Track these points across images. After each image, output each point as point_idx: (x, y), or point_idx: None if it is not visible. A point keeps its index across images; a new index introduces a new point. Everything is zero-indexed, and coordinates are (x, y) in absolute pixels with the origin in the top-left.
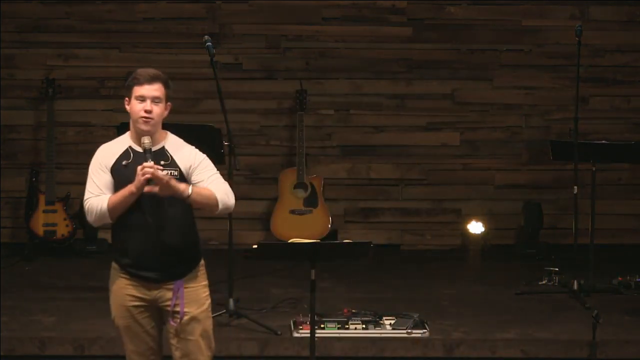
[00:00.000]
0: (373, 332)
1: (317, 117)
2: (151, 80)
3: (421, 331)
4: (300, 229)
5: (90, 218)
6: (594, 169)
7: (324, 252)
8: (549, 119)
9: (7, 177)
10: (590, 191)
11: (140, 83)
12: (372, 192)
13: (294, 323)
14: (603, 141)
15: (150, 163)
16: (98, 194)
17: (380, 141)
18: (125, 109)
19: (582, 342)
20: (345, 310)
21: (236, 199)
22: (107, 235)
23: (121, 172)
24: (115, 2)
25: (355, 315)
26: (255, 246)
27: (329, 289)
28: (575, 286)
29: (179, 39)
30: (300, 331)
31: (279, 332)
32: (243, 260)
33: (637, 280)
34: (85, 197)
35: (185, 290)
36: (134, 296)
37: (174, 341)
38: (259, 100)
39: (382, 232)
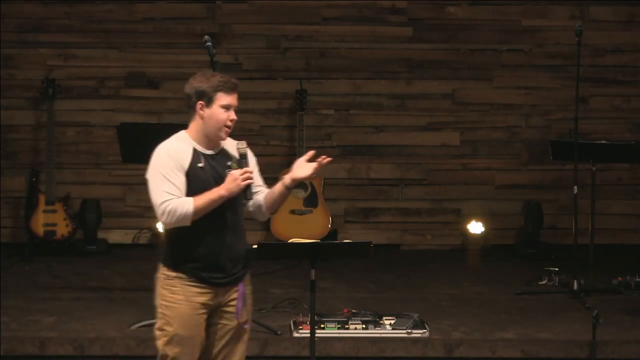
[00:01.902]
0: (373, 332)
1: (317, 117)
2: (236, 89)
3: (421, 331)
4: (300, 229)
5: (169, 220)
6: (594, 169)
7: (324, 252)
8: (549, 119)
9: (7, 177)
10: (590, 191)
11: (228, 91)
12: (372, 192)
13: (294, 323)
14: (603, 141)
15: (250, 168)
16: (179, 195)
17: (380, 141)
18: (195, 112)
19: (582, 342)
20: (345, 310)
21: None
22: (107, 235)
23: (197, 175)
24: (115, 2)
25: (355, 315)
26: (255, 246)
27: (329, 289)
28: (575, 286)
29: (179, 39)
30: (300, 331)
31: (279, 332)
32: None
33: (637, 280)
34: (164, 198)
35: (246, 291)
36: (202, 304)
37: (218, 343)
38: (259, 100)
39: (382, 232)
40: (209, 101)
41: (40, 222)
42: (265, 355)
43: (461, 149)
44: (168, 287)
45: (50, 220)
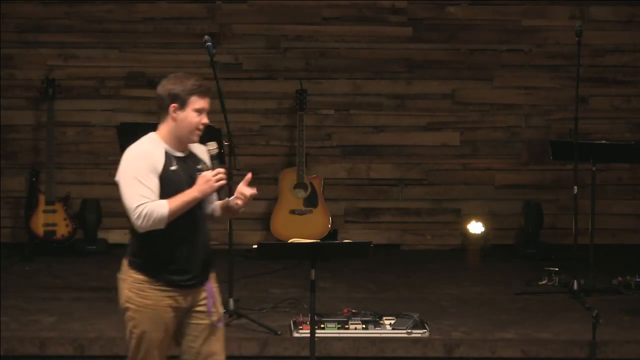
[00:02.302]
0: (373, 332)
1: (317, 117)
2: (209, 92)
3: (421, 331)
4: (300, 229)
5: (145, 224)
6: (594, 169)
7: (324, 252)
8: (549, 119)
9: (7, 177)
10: (590, 191)
11: (201, 95)
12: (372, 192)
13: (294, 323)
14: (603, 141)
15: (222, 170)
16: (153, 198)
17: (380, 141)
18: (168, 114)
19: (582, 342)
20: (345, 310)
21: None
22: (107, 235)
23: (171, 178)
24: (115, 2)
25: (355, 315)
26: (255, 246)
27: (329, 289)
28: (575, 286)
29: (179, 39)
30: (300, 331)
31: (279, 332)
32: (243, 260)
33: (637, 280)
34: (139, 201)
35: (214, 289)
36: (172, 307)
37: (196, 343)
38: (259, 100)
39: (382, 232)
40: (182, 104)
41: (40, 222)
42: (265, 355)
43: (461, 149)
44: (136, 291)
45: (50, 220)
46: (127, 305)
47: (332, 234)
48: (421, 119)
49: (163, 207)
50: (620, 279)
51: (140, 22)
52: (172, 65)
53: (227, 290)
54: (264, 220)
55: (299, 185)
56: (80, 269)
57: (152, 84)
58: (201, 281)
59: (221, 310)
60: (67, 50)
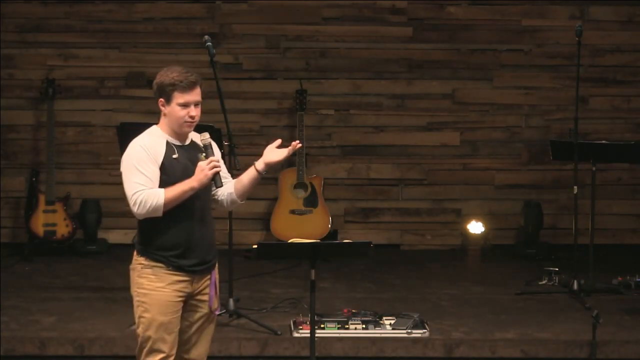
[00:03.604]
0: (373, 332)
1: (317, 117)
2: (193, 86)
3: (421, 331)
4: (300, 229)
5: (141, 210)
6: (594, 169)
7: (324, 252)
8: (549, 119)
9: (7, 177)
10: (590, 191)
11: (182, 90)
12: (372, 192)
13: (294, 323)
14: (603, 141)
15: (216, 157)
16: (151, 186)
17: (380, 141)
18: (160, 108)
19: (582, 342)
20: (345, 310)
21: None
22: (107, 235)
23: (173, 166)
24: (115, 2)
25: (355, 315)
26: (255, 246)
27: (329, 289)
28: (575, 286)
29: (179, 39)
30: (300, 331)
31: (279, 332)
32: (243, 260)
33: (637, 280)
34: (136, 189)
35: (216, 279)
36: (179, 291)
37: (190, 330)
38: (259, 100)
39: (382, 232)
40: (167, 99)
41: (40, 222)
42: (265, 355)
43: (461, 149)
44: (146, 276)
45: (50, 220)
46: (138, 290)
47: (332, 234)
48: (421, 119)
49: (159, 196)
50: (620, 279)
51: (140, 22)
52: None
53: (227, 290)
54: (264, 220)
55: (299, 185)
56: (80, 269)
57: (152, 84)
58: (208, 268)
59: (219, 299)
60: (67, 50)
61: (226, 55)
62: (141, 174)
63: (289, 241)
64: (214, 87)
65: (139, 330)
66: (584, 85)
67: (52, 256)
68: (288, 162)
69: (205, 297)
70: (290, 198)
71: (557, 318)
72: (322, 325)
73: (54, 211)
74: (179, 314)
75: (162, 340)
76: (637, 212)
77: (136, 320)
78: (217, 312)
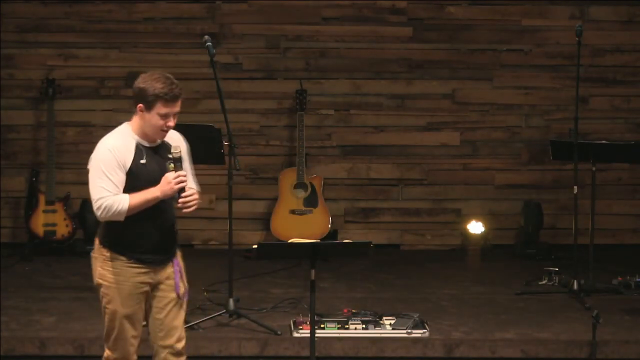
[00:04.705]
0: (373, 332)
1: (317, 117)
2: (176, 99)
3: (421, 331)
4: (300, 229)
5: (104, 215)
6: (594, 169)
7: (324, 252)
8: (549, 119)
9: (7, 177)
10: (590, 191)
11: (166, 102)
12: (372, 192)
13: (294, 323)
14: (603, 141)
15: (184, 172)
16: (116, 192)
17: (380, 141)
18: (137, 110)
19: (582, 342)
20: (345, 310)
21: (236, 198)
22: None
23: (140, 171)
24: (115, 2)
25: (355, 315)
26: (255, 246)
27: (329, 289)
28: (575, 286)
29: (179, 39)
30: (300, 331)
31: (279, 332)
32: (243, 260)
33: (637, 280)
34: (100, 194)
35: (181, 265)
36: (144, 282)
37: (161, 315)
38: (259, 100)
39: (382, 232)
40: (148, 107)
41: (40, 222)
42: (265, 355)
43: (461, 149)
44: (109, 269)
45: (50, 220)
46: (101, 282)
47: (332, 234)
48: (421, 119)
49: (123, 202)
50: (620, 279)
51: (140, 22)
52: (172, 65)
53: (227, 290)
54: (264, 220)
55: (299, 185)
56: (80, 269)
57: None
58: (169, 258)
59: (186, 285)
60: (67, 50)
61: (226, 55)
62: (107, 179)
63: (289, 241)
64: (214, 87)
65: (105, 321)
66: (584, 85)
67: (52, 256)
68: (288, 162)
69: (172, 282)
70: (290, 198)
71: (557, 318)
72: (322, 325)
73: (54, 211)
74: (142, 302)
75: (126, 329)
76: (637, 212)
77: (101, 310)
78: (185, 298)
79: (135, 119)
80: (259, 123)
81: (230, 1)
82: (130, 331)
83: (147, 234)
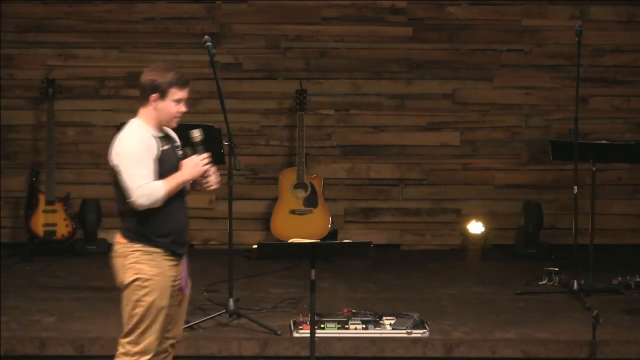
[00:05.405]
0: (373, 332)
1: (317, 117)
2: (188, 83)
3: (421, 331)
4: (300, 229)
5: (145, 202)
6: (594, 169)
7: (324, 252)
8: (549, 119)
9: (7, 177)
10: (590, 191)
11: (181, 86)
12: (372, 192)
13: (294, 323)
14: (603, 141)
15: (208, 154)
16: (152, 179)
17: (380, 141)
18: (149, 102)
19: (582, 342)
20: (345, 310)
21: (236, 199)
22: (107, 235)
23: (165, 158)
24: (115, 2)
25: (355, 315)
26: (255, 246)
27: (329, 289)
28: (575, 286)
29: (179, 39)
30: (300, 331)
31: (279, 332)
32: (243, 260)
33: (637, 280)
34: (138, 182)
35: (187, 260)
36: (173, 276)
37: (173, 311)
38: (259, 100)
39: (382, 232)
40: (162, 95)
41: (40, 222)
42: (265, 355)
43: (461, 149)
44: (147, 262)
45: (50, 220)
46: (138, 276)
47: (332, 234)
48: (421, 119)
49: (159, 189)
50: (620, 279)
51: (140, 22)
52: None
53: (227, 290)
54: (264, 220)
55: (299, 185)
56: (80, 269)
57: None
58: (186, 251)
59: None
60: (67, 50)
61: (226, 55)
62: (142, 167)
63: (289, 241)
64: (214, 87)
65: (136, 311)
66: (584, 85)
67: (52, 256)
68: (288, 162)
69: (179, 278)
70: (290, 198)
71: (557, 318)
72: (322, 325)
73: (54, 211)
74: (170, 299)
75: (157, 322)
76: (637, 212)
77: (129, 307)
78: (187, 291)
79: (145, 112)
80: (259, 123)
81: (230, 1)
82: (161, 324)
83: (178, 226)
